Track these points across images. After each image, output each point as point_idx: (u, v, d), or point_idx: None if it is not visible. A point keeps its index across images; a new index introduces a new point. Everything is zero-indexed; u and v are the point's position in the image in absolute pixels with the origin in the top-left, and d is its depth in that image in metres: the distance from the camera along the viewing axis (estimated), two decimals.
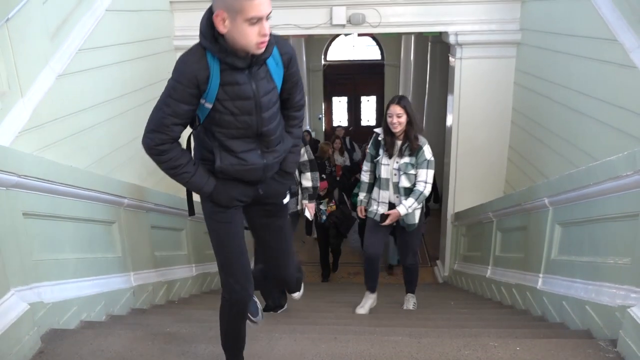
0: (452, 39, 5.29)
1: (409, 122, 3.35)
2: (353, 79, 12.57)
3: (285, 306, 3.67)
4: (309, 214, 3.71)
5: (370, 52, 12.60)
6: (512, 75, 5.26)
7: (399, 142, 3.42)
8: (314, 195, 3.58)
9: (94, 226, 3.09)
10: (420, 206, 3.49)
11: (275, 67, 1.84)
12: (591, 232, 2.72)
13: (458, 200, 5.78)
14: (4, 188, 2.18)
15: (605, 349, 2.25)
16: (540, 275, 3.34)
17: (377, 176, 3.55)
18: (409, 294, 4.01)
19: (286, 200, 2.16)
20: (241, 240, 2.00)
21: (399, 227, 3.62)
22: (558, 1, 4.19)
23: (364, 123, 13.77)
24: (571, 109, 3.82)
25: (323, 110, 12.81)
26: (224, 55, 1.70)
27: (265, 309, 3.53)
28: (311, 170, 3.47)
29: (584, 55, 3.61)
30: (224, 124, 1.79)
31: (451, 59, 5.63)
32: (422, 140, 3.40)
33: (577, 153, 3.66)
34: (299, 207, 3.80)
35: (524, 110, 5.01)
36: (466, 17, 5.20)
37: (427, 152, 3.40)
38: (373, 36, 11.88)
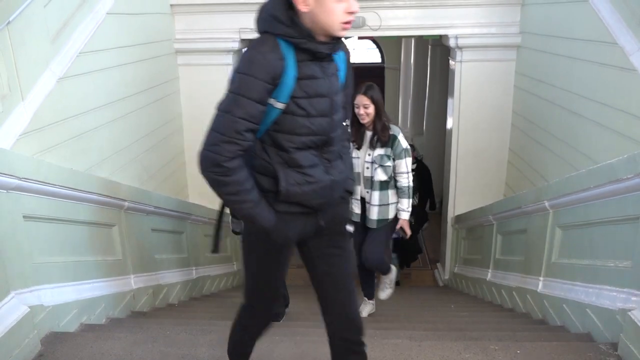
0: (452, 42, 5.30)
1: (377, 113, 3.14)
2: (353, 81, 12.59)
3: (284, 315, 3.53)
4: None
5: (370, 55, 12.62)
6: (512, 78, 5.26)
7: (368, 133, 3.21)
8: None
9: (94, 229, 3.09)
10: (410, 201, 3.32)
11: (340, 63, 1.62)
12: (592, 235, 2.72)
13: (458, 203, 5.77)
14: (5, 191, 2.18)
15: (605, 352, 2.25)
16: (541, 278, 3.33)
17: None
18: (383, 277, 3.70)
19: (351, 228, 1.84)
20: (284, 272, 1.80)
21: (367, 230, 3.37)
22: (558, 4, 4.20)
23: None
24: (571, 112, 3.82)
25: None
26: (305, 40, 1.46)
27: None
28: None
29: (584, 58, 3.61)
30: (297, 129, 1.52)
31: (451, 62, 5.63)
32: (395, 129, 3.21)
33: (578, 156, 3.66)
34: None
35: (524, 113, 5.01)
36: (466, 20, 5.21)
37: (403, 140, 3.21)
38: (373, 39, 11.90)
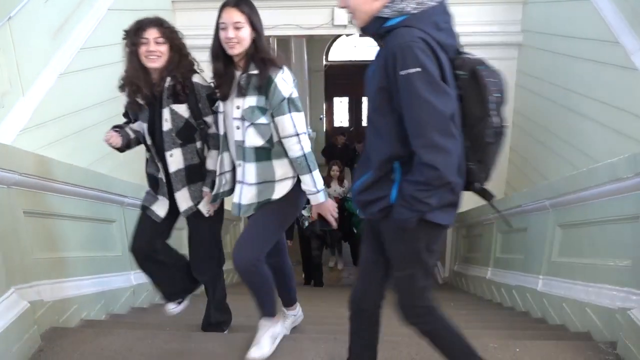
0: None
1: (255, 40, 2.01)
2: (354, 79, 12.56)
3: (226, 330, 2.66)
4: (204, 208, 2.33)
5: (371, 52, 12.61)
6: (513, 77, 5.25)
7: (238, 74, 2.08)
8: None
9: (95, 225, 3.09)
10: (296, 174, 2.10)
11: None
12: (591, 234, 2.72)
13: None
14: (5, 186, 2.18)
15: (605, 351, 2.25)
16: (541, 277, 3.33)
17: None
18: (262, 319, 2.30)
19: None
20: None
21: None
22: (559, 3, 4.19)
23: (364, 123, 13.78)
24: (572, 111, 3.82)
25: (324, 111, 12.83)
26: None
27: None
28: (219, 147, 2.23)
29: (585, 57, 3.60)
30: None
31: None
32: (274, 69, 2.01)
33: (578, 155, 3.66)
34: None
35: (525, 112, 5.01)
36: (467, 19, 5.20)
37: (281, 84, 1.99)
38: None
